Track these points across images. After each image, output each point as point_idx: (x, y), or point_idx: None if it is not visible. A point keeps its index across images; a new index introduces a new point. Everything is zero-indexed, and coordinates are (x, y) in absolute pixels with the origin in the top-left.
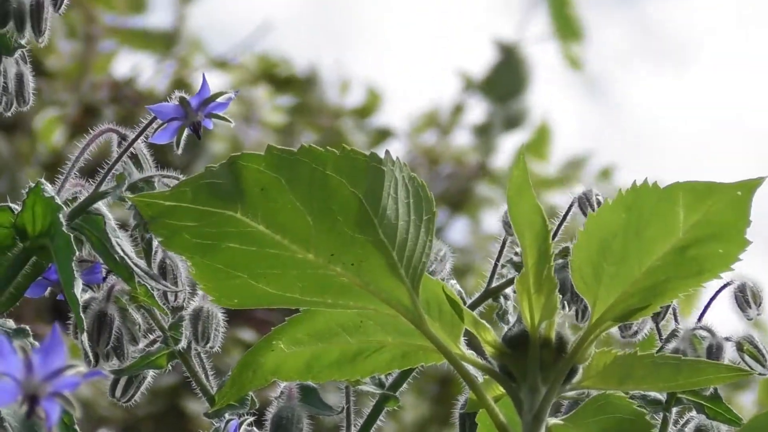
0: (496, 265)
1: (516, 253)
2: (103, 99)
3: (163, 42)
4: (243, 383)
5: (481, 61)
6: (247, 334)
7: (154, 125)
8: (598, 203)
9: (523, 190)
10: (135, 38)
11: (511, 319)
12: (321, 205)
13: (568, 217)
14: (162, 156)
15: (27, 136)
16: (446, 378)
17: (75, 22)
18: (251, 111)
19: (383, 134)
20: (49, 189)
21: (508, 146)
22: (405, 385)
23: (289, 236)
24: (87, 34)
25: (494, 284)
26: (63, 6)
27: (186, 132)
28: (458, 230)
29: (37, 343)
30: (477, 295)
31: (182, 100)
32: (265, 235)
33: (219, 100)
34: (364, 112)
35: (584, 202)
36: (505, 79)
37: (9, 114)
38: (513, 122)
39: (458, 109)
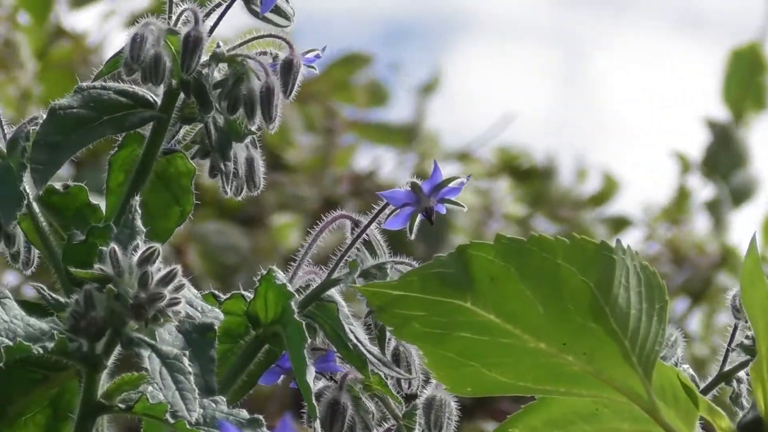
0: (728, 350)
1: (747, 337)
2: (343, 193)
3: (403, 135)
4: None
5: (698, 142)
6: (490, 426)
7: (387, 211)
8: None
9: (756, 277)
10: (375, 132)
11: (745, 402)
12: (552, 294)
13: None
14: (401, 245)
15: (267, 230)
16: None
17: (314, 116)
18: (492, 203)
19: (621, 223)
20: (280, 276)
21: (740, 222)
22: None
23: (520, 325)
24: (327, 128)
25: (726, 368)
26: (293, 92)
27: (419, 218)
28: (698, 320)
29: None
30: (710, 379)
31: (414, 186)
32: (496, 324)
33: (451, 185)
34: (601, 199)
35: None
36: (725, 157)
37: (238, 197)
38: (741, 197)
39: (686, 193)
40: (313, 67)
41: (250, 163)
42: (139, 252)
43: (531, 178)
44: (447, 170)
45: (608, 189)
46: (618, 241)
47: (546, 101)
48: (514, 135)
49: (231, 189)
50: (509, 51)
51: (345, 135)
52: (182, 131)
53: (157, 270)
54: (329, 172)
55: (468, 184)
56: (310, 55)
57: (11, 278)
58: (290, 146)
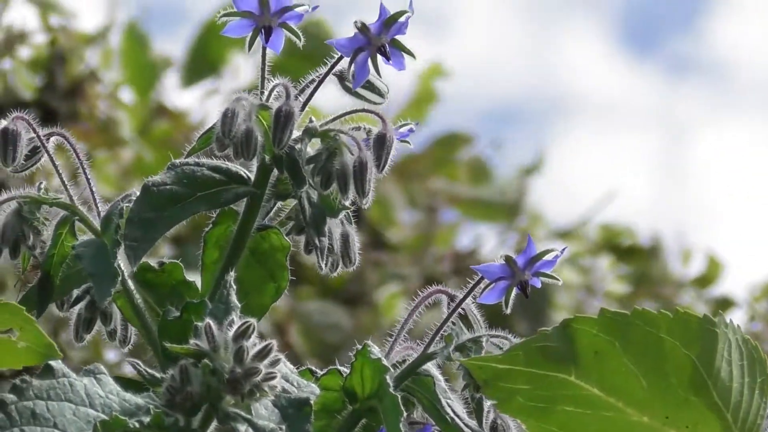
0: None
1: None
2: (445, 271)
3: (505, 213)
4: None
5: None
6: None
7: (482, 285)
8: None
9: None
10: (477, 209)
11: None
12: (655, 367)
13: None
14: (502, 321)
15: (369, 308)
16: None
17: (417, 194)
18: (593, 281)
19: (724, 304)
20: (376, 351)
21: None
22: None
23: (623, 399)
24: (429, 206)
25: None
26: (387, 167)
27: (515, 292)
28: None
29: None
30: None
31: (508, 259)
32: (599, 397)
33: (546, 258)
34: (705, 281)
35: None
36: None
37: (334, 273)
38: None
39: None
40: (407, 142)
41: (345, 238)
42: (235, 327)
43: (633, 256)
44: (548, 247)
45: (712, 271)
46: (720, 314)
47: (649, 181)
48: (616, 213)
49: (326, 265)
50: (613, 132)
51: (447, 213)
52: (276, 207)
53: (253, 345)
54: (431, 251)
55: (569, 261)
56: (403, 130)
57: (112, 356)
58: (392, 224)
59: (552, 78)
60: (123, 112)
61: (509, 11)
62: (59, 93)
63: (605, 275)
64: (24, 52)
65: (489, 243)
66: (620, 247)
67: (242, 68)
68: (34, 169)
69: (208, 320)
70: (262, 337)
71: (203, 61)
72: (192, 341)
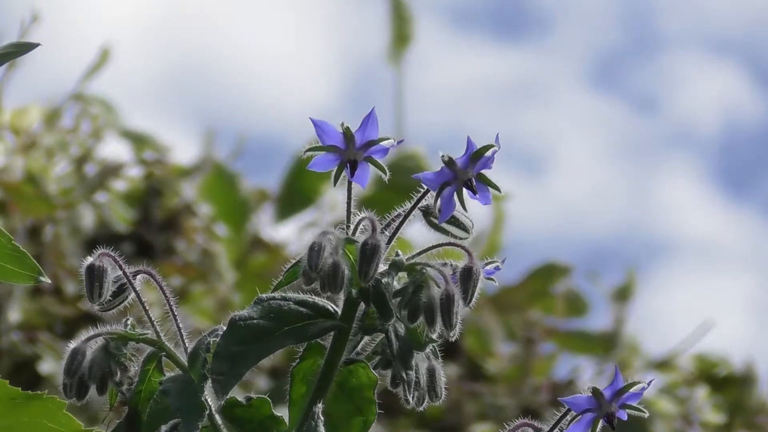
0: None
1: None
2: (542, 402)
3: (602, 344)
4: None
5: None
6: None
7: (568, 417)
8: None
9: None
10: (574, 341)
11: None
12: None
13: None
14: None
15: None
16: None
17: (514, 325)
18: (690, 410)
19: None
20: None
21: None
22: None
23: None
24: (526, 337)
25: None
26: (473, 300)
27: (601, 424)
28: None
29: None
30: None
31: (595, 391)
32: None
33: (633, 390)
34: None
35: None
36: None
37: (420, 407)
38: None
39: None
40: (492, 279)
41: (431, 373)
42: None
43: (729, 386)
44: (646, 378)
45: None
46: None
47: (744, 315)
48: (711, 344)
49: (413, 399)
50: (709, 269)
51: (544, 344)
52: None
53: None
54: (528, 382)
55: (666, 391)
56: (490, 267)
57: None
58: (490, 355)
59: (649, 217)
60: (219, 246)
61: (607, 153)
62: (155, 226)
63: (702, 405)
64: (119, 185)
65: (586, 373)
66: (716, 377)
67: (338, 201)
68: (121, 308)
69: None
70: None
71: (297, 194)
72: None
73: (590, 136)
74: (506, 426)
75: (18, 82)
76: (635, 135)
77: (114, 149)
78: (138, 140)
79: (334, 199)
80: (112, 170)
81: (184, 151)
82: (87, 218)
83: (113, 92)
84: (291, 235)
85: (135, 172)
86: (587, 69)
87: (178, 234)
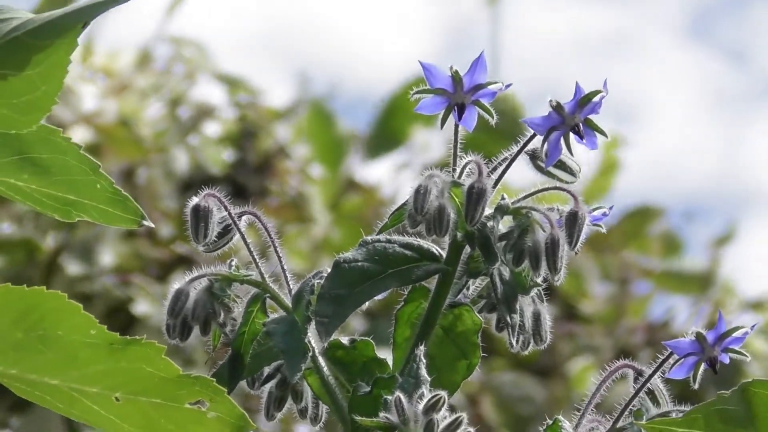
0: None
1: None
2: (637, 343)
3: (698, 284)
4: None
5: None
6: None
7: (671, 361)
8: None
9: None
10: (669, 281)
11: None
12: None
13: None
14: (693, 394)
15: (561, 380)
16: None
17: (609, 266)
18: None
19: None
20: (566, 426)
21: None
22: None
23: None
24: (621, 278)
25: None
26: (579, 245)
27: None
28: None
29: None
30: None
31: (699, 335)
32: None
33: (735, 334)
34: None
35: None
36: None
37: (525, 351)
38: None
39: None
40: (599, 226)
41: (536, 317)
42: (425, 400)
43: None
44: (741, 319)
45: None
46: None
47: None
48: None
49: (517, 342)
50: None
51: (639, 284)
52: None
53: (443, 418)
54: (624, 322)
55: (761, 331)
56: (597, 213)
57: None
58: (585, 296)
59: (742, 167)
60: (313, 187)
61: (701, 104)
62: (249, 169)
63: None
64: (212, 129)
65: (681, 314)
66: None
67: (430, 143)
68: (226, 248)
69: (398, 393)
70: (452, 409)
71: (387, 135)
72: (382, 414)
73: (684, 88)
74: (604, 367)
75: (109, 24)
76: (729, 86)
77: (207, 92)
78: (231, 83)
79: (424, 140)
80: (205, 113)
81: (276, 95)
82: (180, 161)
83: (206, 36)
84: (384, 176)
85: (228, 115)
86: (681, 22)
87: (272, 176)
